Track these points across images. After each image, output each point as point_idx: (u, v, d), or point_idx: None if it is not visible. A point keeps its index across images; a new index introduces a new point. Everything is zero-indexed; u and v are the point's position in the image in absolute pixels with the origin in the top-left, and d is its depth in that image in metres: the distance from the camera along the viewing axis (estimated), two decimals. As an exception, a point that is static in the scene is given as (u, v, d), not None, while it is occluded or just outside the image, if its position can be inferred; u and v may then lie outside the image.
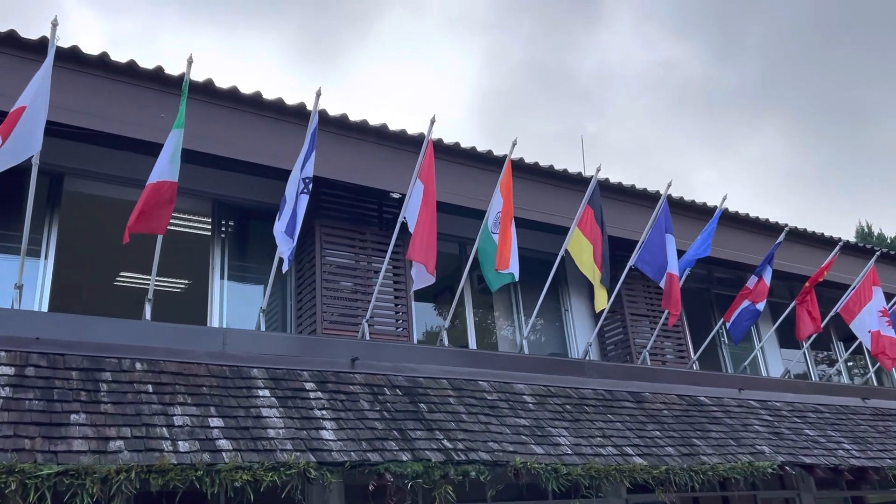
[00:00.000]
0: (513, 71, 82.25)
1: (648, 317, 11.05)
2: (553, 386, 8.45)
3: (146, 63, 7.28)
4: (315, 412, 6.20)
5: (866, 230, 43.77)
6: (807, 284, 10.32)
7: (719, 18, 74.86)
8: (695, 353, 12.06)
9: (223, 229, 8.67)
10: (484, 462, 6.39)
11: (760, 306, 9.82)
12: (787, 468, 8.49)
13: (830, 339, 14.72)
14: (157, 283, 10.96)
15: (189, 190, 8.54)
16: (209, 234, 8.63)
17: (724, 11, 73.83)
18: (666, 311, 9.03)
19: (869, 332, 10.37)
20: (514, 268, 7.19)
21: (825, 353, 14.90)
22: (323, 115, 8.16)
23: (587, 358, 9.50)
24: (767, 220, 11.88)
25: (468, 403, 7.31)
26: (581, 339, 10.84)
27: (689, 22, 76.70)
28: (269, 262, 9.50)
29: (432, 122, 7.40)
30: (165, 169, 5.78)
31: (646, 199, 10.57)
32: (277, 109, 7.99)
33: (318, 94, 6.82)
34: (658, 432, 8.21)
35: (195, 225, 8.94)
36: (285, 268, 6.50)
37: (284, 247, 6.27)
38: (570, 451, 7.10)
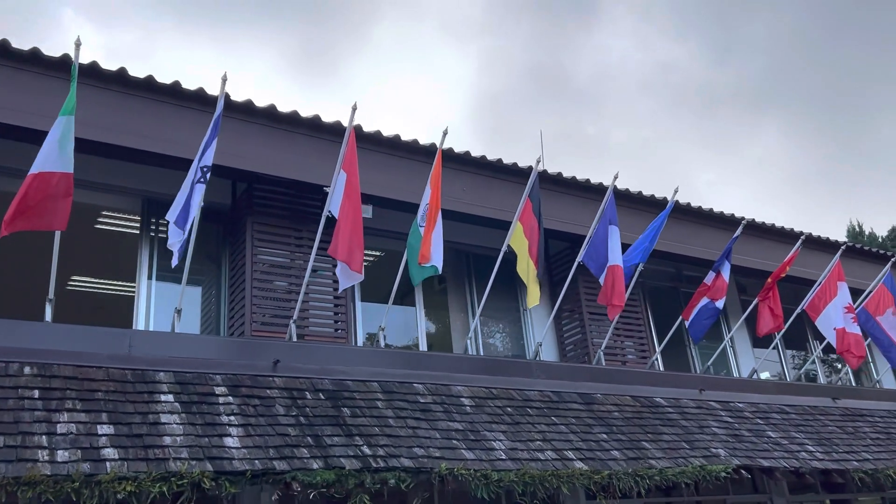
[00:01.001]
0: (511, 73, 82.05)
1: (604, 315, 10.69)
2: (496, 388, 8.08)
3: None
4: (221, 418, 5.83)
5: (857, 229, 43.59)
6: (769, 280, 9.96)
7: (717, 19, 74.74)
8: (659, 354, 11.73)
9: (152, 228, 8.30)
10: (405, 469, 6.02)
11: (720, 304, 9.46)
12: (742, 471, 8.12)
13: (806, 337, 14.37)
14: (82, 285, 10.66)
15: (117, 187, 8.21)
16: (137, 232, 8.27)
17: (723, 12, 73.70)
18: (620, 309, 8.65)
19: (834, 329, 10.02)
20: (436, 260, 6.82)
21: (801, 352, 14.55)
22: (247, 105, 7.82)
23: (537, 358, 9.13)
24: (733, 214, 11.53)
25: (398, 407, 6.93)
26: (536, 338, 10.49)
27: (687, 22, 76.56)
28: (206, 262, 9.21)
29: (354, 109, 7.05)
30: (55, 159, 5.41)
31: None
32: (202, 101, 7.63)
33: (224, 80, 6.46)
34: (605, 435, 7.84)
35: (123, 223, 8.58)
36: (174, 262, 6.10)
37: (174, 239, 5.89)
38: (504, 457, 6.73)
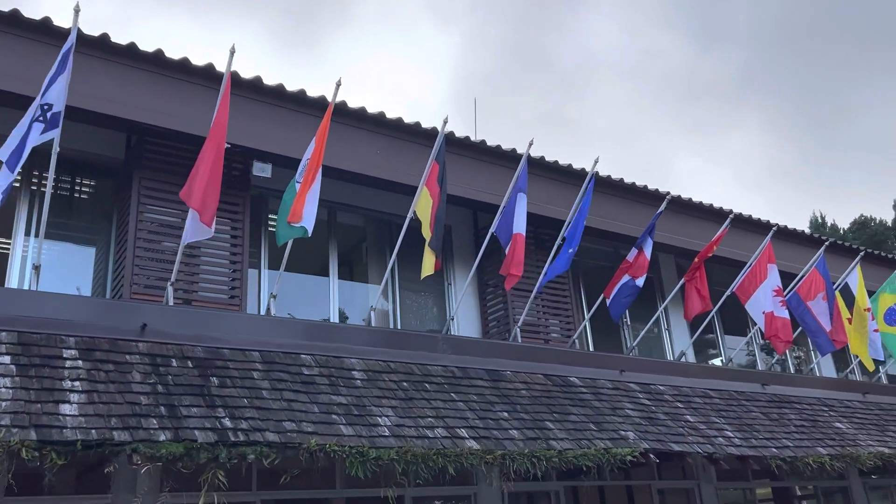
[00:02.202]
0: (495, 54, 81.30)
1: (531, 292, 10.30)
2: (395, 362, 7.65)
3: None
4: (63, 383, 5.32)
5: (820, 221, 43.82)
6: (696, 260, 9.62)
7: (702, 8, 74.48)
8: (591, 334, 11.40)
9: (34, 181, 7.71)
10: (269, 444, 5.57)
11: (640, 281, 9.09)
12: (651, 455, 7.81)
13: (747, 322, 14.13)
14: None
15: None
16: (17, 185, 7.68)
17: (707, 1, 73.47)
18: (516, 279, 8.14)
19: (763, 313, 9.72)
20: (307, 221, 6.32)
21: (741, 337, 14.32)
22: (131, 50, 7.21)
23: (447, 333, 8.72)
24: (668, 192, 11.16)
25: (276, 378, 6.47)
26: (461, 315, 10.08)
27: (672, 10, 76.25)
28: (100, 221, 8.63)
29: (232, 52, 6.50)
30: None
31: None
32: (104, 48, 7.05)
33: (77, 10, 5.87)
34: (506, 414, 7.47)
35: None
36: None
37: (3, 181, 5.34)
38: (387, 433, 6.31)
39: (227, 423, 5.58)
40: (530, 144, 8.33)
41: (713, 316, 13.23)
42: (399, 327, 9.52)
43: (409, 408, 6.86)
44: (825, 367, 14.12)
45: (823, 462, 9.30)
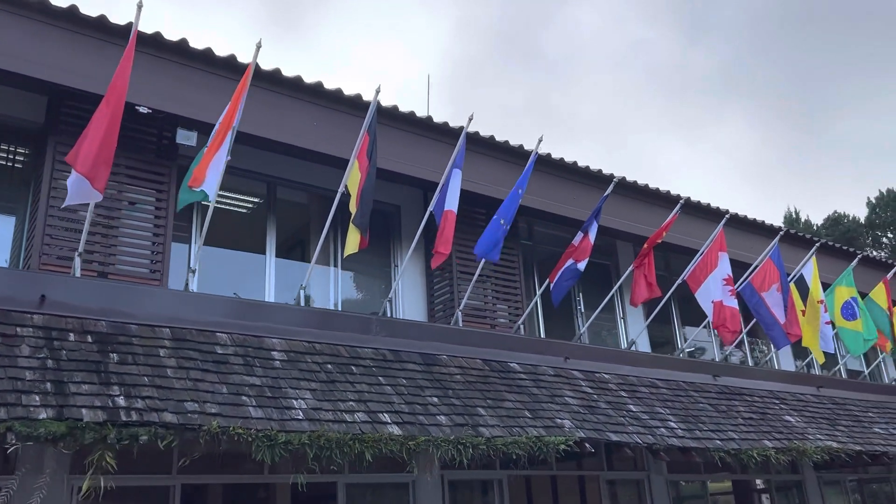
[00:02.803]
0: (482, 42, 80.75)
1: (481, 276, 10.00)
2: (322, 343, 7.33)
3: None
4: (-62, 355, 4.95)
5: (794, 216, 43.97)
6: (645, 246, 9.36)
7: (690, 1, 74.36)
8: (543, 320, 11.14)
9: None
10: (166, 425, 5.24)
11: (582, 265, 8.81)
12: (586, 445, 7.56)
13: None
14: None
15: None
16: None
17: (695, -5, 73.40)
18: (443, 257, 7.78)
19: (712, 302, 9.49)
20: (208, 186, 5.94)
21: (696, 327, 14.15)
22: (42, 4, 6.78)
23: (382, 315, 8.40)
24: (624, 178, 10.87)
25: (185, 357, 6.12)
26: (407, 297, 9.77)
27: (660, 2, 76.04)
28: (20, 188, 8.21)
29: (139, 5, 6.09)
30: None
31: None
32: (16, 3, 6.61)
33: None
34: (436, 399, 7.18)
35: None
36: None
37: None
38: (301, 416, 6.00)
39: (121, 401, 5.24)
40: (470, 120, 7.99)
41: (671, 306, 13.08)
42: (340, 309, 9.20)
43: (329, 391, 6.55)
44: (784, 359, 13.97)
45: (769, 455, 9.12)
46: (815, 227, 41.03)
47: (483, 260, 8.71)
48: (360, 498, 7.90)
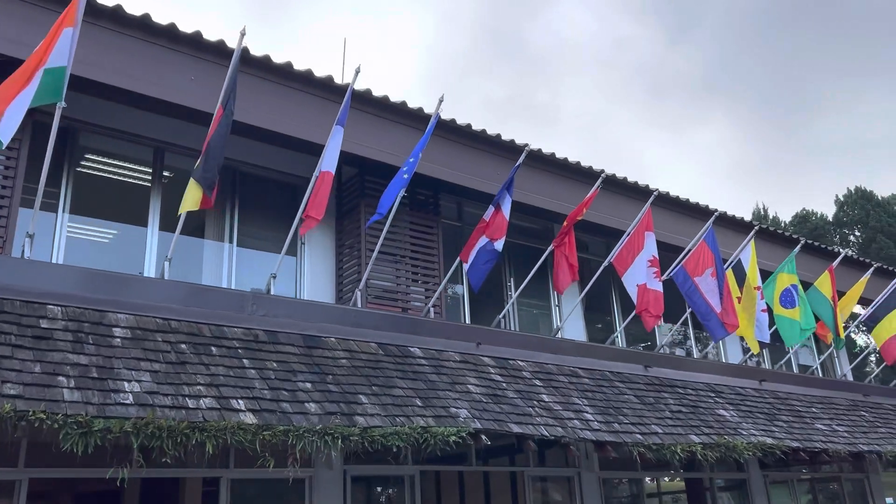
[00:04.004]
0: (467, 35, 79.99)
1: (395, 255, 9.25)
2: (181, 321, 6.53)
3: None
4: None
5: (763, 213, 43.70)
6: (565, 224, 8.64)
7: (674, 1, 74.13)
8: (469, 304, 10.41)
9: None
10: (-58, 407, 4.43)
11: (499, 244, 8.07)
12: (482, 437, 6.83)
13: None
14: None
15: None
16: None
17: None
18: (315, 222, 6.97)
19: (636, 285, 8.80)
20: (2, 131, 5.11)
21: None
22: None
23: (269, 292, 7.60)
24: (566, 159, 10.17)
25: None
26: (314, 276, 9.00)
27: (645, 1, 75.73)
28: None
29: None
30: None
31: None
32: None
33: None
34: (309, 385, 6.41)
35: None
36: None
37: None
38: (130, 401, 5.21)
39: None
40: (356, 73, 7.19)
41: (611, 294, 12.39)
42: (234, 287, 8.40)
43: (175, 373, 5.75)
44: (733, 351, 13.31)
45: (695, 451, 8.47)
46: (783, 224, 40.78)
47: (383, 236, 7.97)
48: (247, 496, 7.16)
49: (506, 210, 7.97)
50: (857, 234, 39.62)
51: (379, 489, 9.02)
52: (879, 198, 38.44)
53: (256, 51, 7.72)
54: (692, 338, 13.24)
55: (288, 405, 5.98)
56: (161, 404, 5.31)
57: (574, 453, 7.65)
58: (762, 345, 9.86)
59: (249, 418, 5.60)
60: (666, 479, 12.31)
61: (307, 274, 9.02)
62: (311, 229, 9.25)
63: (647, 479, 11.95)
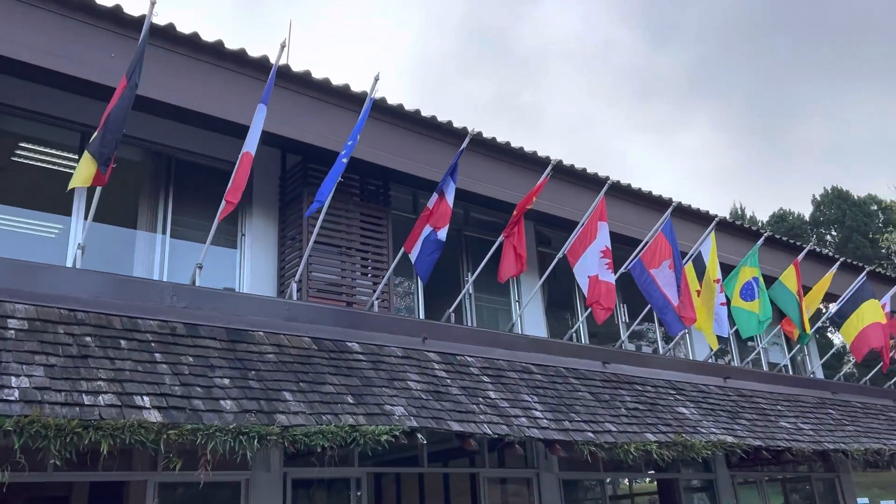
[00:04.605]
0: (453, 36, 79.70)
1: (341, 247, 8.84)
2: (88, 312, 6.07)
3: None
4: None
5: (740, 212, 43.67)
6: (515, 213, 8.26)
7: (659, 3, 74.27)
8: (423, 299, 10.01)
9: None
10: None
11: (442, 234, 7.68)
12: (418, 436, 6.44)
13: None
14: None
15: None
16: None
17: (664, -1, 73.36)
18: (232, 207, 6.51)
19: (588, 276, 8.45)
20: None
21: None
22: None
23: (194, 284, 7.16)
24: (522, 148, 9.79)
25: None
26: (255, 269, 8.57)
27: (631, 3, 75.80)
28: None
29: None
30: None
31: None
32: None
33: None
34: (226, 381, 5.98)
35: None
36: None
37: None
38: (14, 398, 4.75)
39: None
40: (282, 48, 6.76)
41: (574, 290, 12.03)
42: (165, 279, 7.95)
43: (74, 367, 5.31)
44: (700, 347, 12.97)
45: (650, 450, 8.11)
46: (760, 223, 40.77)
47: (319, 225, 7.57)
48: (174, 500, 6.72)
49: (449, 197, 7.59)
50: (834, 233, 39.65)
51: (325, 493, 8.60)
52: (856, 198, 38.51)
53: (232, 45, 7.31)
54: (657, 333, 12.92)
55: (200, 402, 5.55)
56: (51, 401, 4.87)
57: (518, 452, 7.25)
58: (721, 339, 9.52)
59: (154, 416, 5.16)
60: (637, 481, 12.01)
61: (248, 266, 8.60)
62: (252, 220, 8.94)
63: (625, 480, 11.66)
